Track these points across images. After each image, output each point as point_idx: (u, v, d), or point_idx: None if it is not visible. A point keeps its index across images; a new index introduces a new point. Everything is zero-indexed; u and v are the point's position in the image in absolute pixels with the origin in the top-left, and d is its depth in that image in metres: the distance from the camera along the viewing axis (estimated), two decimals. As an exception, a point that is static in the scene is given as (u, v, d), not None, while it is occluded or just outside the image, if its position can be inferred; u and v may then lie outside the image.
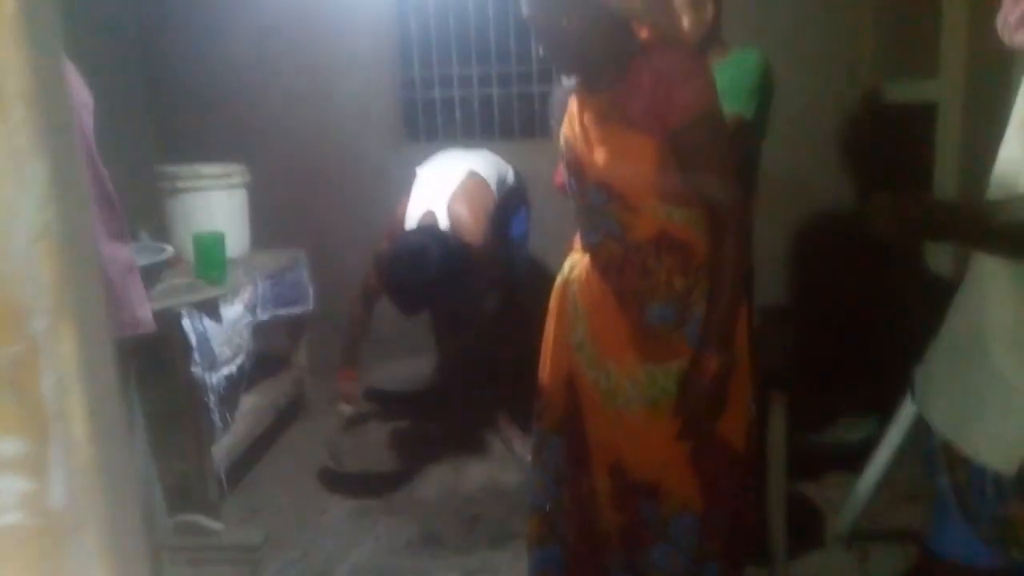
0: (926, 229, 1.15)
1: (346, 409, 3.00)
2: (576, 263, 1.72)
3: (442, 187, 2.87)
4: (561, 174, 1.76)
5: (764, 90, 2.57)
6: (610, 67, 1.51)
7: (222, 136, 3.62)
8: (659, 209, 1.52)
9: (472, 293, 2.89)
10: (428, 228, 2.74)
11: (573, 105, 1.63)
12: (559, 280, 1.77)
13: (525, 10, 1.48)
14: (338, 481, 2.85)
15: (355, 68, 3.67)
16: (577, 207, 1.66)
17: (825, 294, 3.49)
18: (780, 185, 2.94)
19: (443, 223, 2.81)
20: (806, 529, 2.44)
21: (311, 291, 3.34)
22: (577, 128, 1.60)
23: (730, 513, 1.64)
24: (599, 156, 1.54)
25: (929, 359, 1.25)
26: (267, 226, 3.36)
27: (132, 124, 3.63)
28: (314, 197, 3.72)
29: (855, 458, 2.47)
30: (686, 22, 2.46)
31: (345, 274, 3.20)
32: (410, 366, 3.57)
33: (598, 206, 1.57)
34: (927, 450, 1.23)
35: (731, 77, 2.46)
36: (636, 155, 1.49)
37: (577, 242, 1.75)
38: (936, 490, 1.23)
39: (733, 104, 2.46)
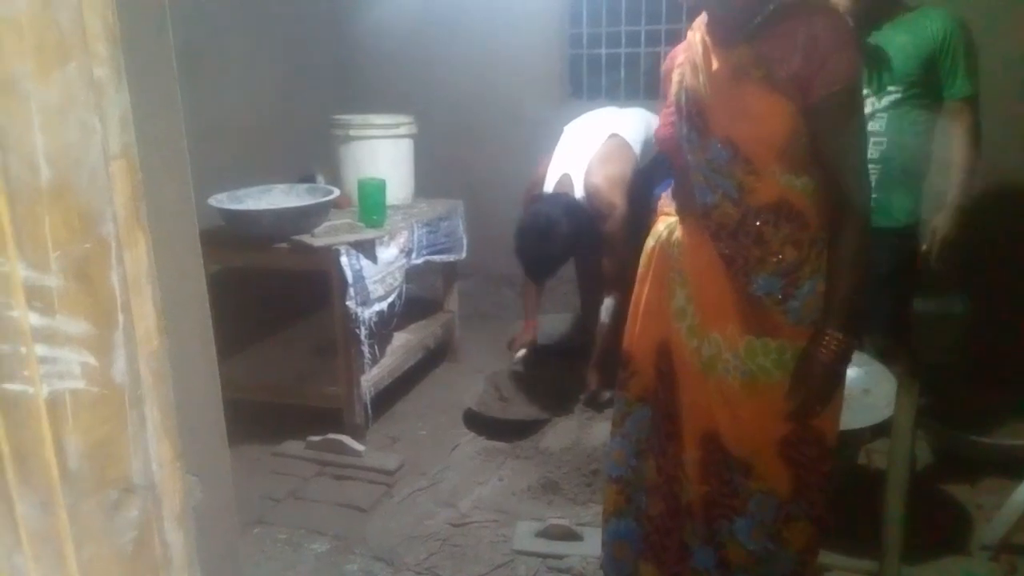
0: None
1: (521, 354, 3.23)
2: (674, 226, 1.67)
3: (583, 150, 2.88)
4: (667, 124, 1.66)
5: (974, 56, 2.35)
6: (752, 16, 1.43)
7: (396, 89, 3.83)
8: (782, 176, 1.45)
9: (607, 257, 2.92)
10: (558, 198, 2.79)
11: (697, 51, 1.52)
12: (651, 244, 1.72)
13: None
14: (476, 421, 3.00)
15: (524, 25, 3.74)
16: (689, 164, 1.56)
17: (1004, 283, 3.17)
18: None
19: (578, 189, 2.84)
20: (949, 533, 2.29)
21: (465, 241, 3.49)
22: (703, 78, 1.50)
23: (814, 504, 1.58)
24: (730, 111, 1.46)
25: None
26: (431, 176, 3.53)
27: (317, 76, 3.91)
28: (477, 151, 3.86)
29: (1018, 465, 2.27)
30: None
31: (500, 227, 3.31)
32: (564, 321, 3.67)
33: (719, 164, 1.49)
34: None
35: (923, 41, 2.28)
36: (772, 117, 1.42)
37: (668, 205, 1.71)
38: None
39: (957, 87, 2.28)
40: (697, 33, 1.54)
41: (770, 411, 1.51)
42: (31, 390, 0.58)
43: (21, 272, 0.56)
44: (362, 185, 2.96)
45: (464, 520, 2.41)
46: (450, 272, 3.56)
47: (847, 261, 1.44)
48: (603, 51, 3.78)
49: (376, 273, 2.86)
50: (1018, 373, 2.84)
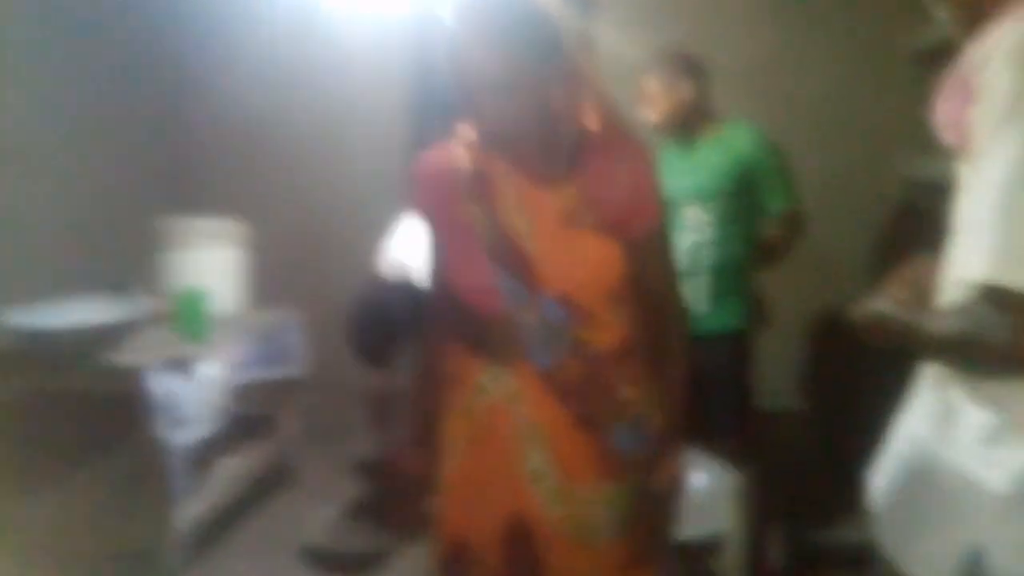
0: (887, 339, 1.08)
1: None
2: (499, 378, 1.38)
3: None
4: (472, 268, 1.37)
5: (788, 171, 2.51)
6: (560, 155, 1.31)
7: (235, 191, 3.61)
8: (615, 319, 1.36)
9: None
10: (398, 281, 2.63)
11: (499, 186, 1.34)
12: (475, 401, 1.41)
13: (465, 74, 1.23)
14: (317, 557, 2.68)
15: (367, 126, 3.65)
16: (513, 320, 1.34)
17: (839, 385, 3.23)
18: (803, 267, 2.78)
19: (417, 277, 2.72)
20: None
21: (303, 354, 3.24)
22: (526, 225, 1.32)
23: None
24: (564, 264, 1.31)
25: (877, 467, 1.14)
26: (271, 284, 3.30)
27: (143, 174, 3.64)
28: (319, 257, 3.66)
29: (859, 560, 2.21)
30: (660, 107, 2.43)
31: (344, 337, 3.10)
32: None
33: (556, 323, 1.32)
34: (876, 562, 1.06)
35: (736, 157, 2.41)
36: (606, 264, 1.32)
37: (467, 359, 1.42)
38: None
39: (776, 202, 2.44)
40: (484, 158, 1.35)
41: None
42: None
43: None
44: (179, 296, 2.71)
45: None
46: (285, 389, 3.28)
47: (678, 385, 1.41)
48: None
49: (194, 393, 2.58)
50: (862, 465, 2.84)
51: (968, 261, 0.89)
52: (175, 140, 3.79)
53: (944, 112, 0.97)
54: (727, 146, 2.43)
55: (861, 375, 3.17)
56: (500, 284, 1.33)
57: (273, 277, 3.37)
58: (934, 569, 0.97)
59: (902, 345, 1.03)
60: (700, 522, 1.79)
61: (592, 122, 1.34)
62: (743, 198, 2.44)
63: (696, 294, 2.46)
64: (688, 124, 2.48)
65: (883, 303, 1.07)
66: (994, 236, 0.85)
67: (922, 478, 1.01)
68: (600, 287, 1.33)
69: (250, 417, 3.18)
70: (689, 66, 2.46)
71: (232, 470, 2.94)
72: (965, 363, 0.96)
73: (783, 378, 3.00)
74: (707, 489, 1.91)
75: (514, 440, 1.37)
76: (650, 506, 1.40)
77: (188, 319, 2.69)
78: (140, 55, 3.53)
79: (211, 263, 3.01)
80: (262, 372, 3.01)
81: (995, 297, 0.85)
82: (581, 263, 1.32)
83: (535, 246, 1.31)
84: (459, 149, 1.38)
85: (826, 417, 3.21)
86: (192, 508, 2.62)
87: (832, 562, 2.50)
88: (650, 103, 2.48)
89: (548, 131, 1.28)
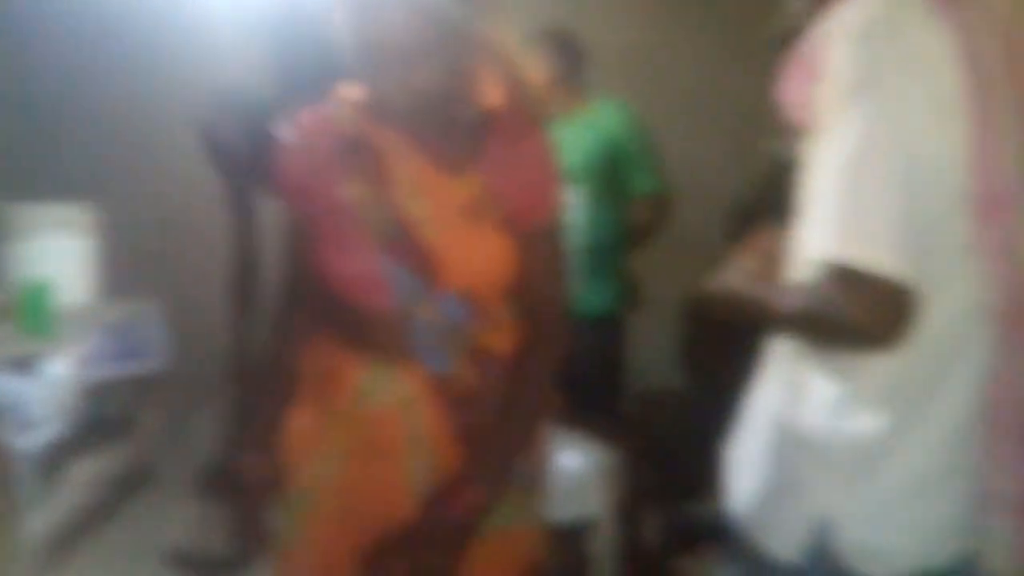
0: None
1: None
2: (387, 381, 1.22)
3: None
4: (351, 253, 1.21)
5: (653, 153, 2.54)
6: (464, 136, 1.20)
7: (76, 174, 3.37)
8: (507, 321, 1.26)
9: None
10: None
11: (391, 164, 1.19)
12: (350, 409, 1.24)
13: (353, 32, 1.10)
14: (184, 562, 2.55)
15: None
16: (403, 318, 1.20)
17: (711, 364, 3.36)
18: (676, 250, 2.85)
19: None
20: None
21: (162, 348, 3.07)
22: (424, 210, 1.18)
23: None
24: (467, 258, 1.19)
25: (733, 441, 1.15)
26: (127, 274, 3.11)
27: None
28: (177, 245, 3.48)
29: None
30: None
31: (211, 328, 2.95)
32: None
33: (456, 323, 1.20)
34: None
35: (603, 136, 2.42)
36: (505, 260, 1.21)
37: (343, 356, 1.26)
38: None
39: (643, 181, 2.46)
40: (376, 131, 1.20)
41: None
42: None
43: None
44: (21, 289, 2.51)
45: None
46: (144, 385, 3.11)
47: (535, 390, 1.27)
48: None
49: (41, 393, 2.40)
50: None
51: (812, 239, 0.91)
52: (16, 120, 3.50)
53: (790, 91, 0.99)
54: (595, 124, 2.45)
55: (730, 353, 3.31)
56: (390, 276, 1.18)
57: (128, 267, 3.18)
58: (784, 540, 0.99)
59: (750, 320, 1.06)
60: (572, 504, 1.80)
61: (498, 102, 1.23)
62: (611, 178, 2.46)
63: None
64: (557, 101, 2.48)
65: (732, 278, 1.09)
66: (836, 214, 0.87)
67: (773, 450, 1.03)
68: (500, 286, 1.22)
69: (106, 417, 3.01)
70: (560, 42, 2.46)
71: (88, 473, 2.78)
72: (812, 338, 0.99)
73: (659, 359, 3.07)
74: (578, 471, 1.93)
75: (400, 453, 1.21)
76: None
77: (31, 313, 2.51)
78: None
79: (57, 252, 2.82)
80: (117, 368, 2.85)
81: (838, 275, 0.87)
82: (483, 258, 1.20)
83: (434, 237, 1.18)
84: (342, 115, 1.22)
85: (700, 395, 3.32)
86: (44, 515, 2.45)
87: (706, 538, 2.60)
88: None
89: (454, 107, 1.19)
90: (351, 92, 1.21)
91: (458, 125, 1.20)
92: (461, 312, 1.20)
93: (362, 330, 1.23)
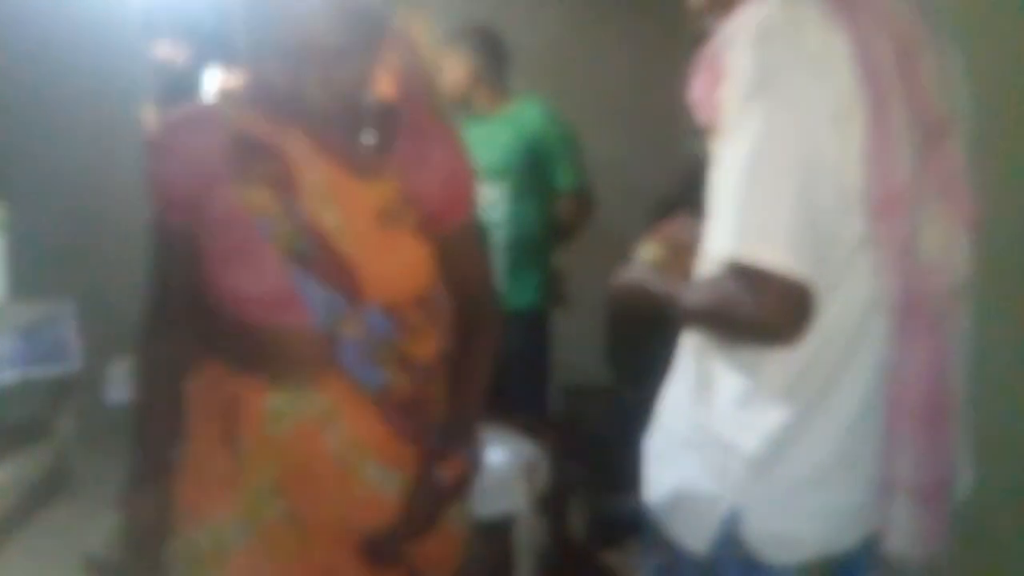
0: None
1: None
2: (300, 399, 1.12)
3: None
4: (255, 273, 1.10)
5: (576, 150, 2.55)
6: (373, 136, 1.14)
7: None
8: (428, 325, 1.20)
9: None
10: None
11: (311, 175, 1.09)
12: (266, 435, 1.13)
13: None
14: (102, 570, 2.46)
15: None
16: (329, 336, 1.10)
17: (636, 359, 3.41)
18: (599, 247, 2.85)
19: None
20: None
21: (76, 349, 2.97)
22: (336, 219, 1.09)
23: None
24: (385, 269, 1.12)
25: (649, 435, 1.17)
26: (33, 274, 2.99)
27: None
28: (92, 243, 3.36)
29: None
30: (452, 79, 2.41)
31: (129, 327, 2.85)
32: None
33: (383, 338, 1.13)
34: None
35: (524, 134, 2.43)
36: (422, 266, 1.16)
37: (242, 382, 1.14)
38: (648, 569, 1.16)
39: (565, 178, 2.46)
40: (275, 130, 1.10)
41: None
42: None
43: None
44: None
45: None
46: (58, 388, 3.00)
47: (481, 376, 1.27)
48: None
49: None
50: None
51: (716, 237, 0.93)
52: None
53: (697, 91, 1.00)
54: (516, 121, 2.46)
55: (655, 348, 3.37)
56: (305, 292, 1.08)
57: (41, 265, 3.07)
58: (694, 531, 1.02)
59: (658, 313, 1.07)
60: (497, 499, 1.80)
61: (407, 101, 1.21)
62: (533, 174, 2.47)
63: None
64: (478, 98, 2.48)
65: (639, 271, 1.11)
66: (737, 213, 0.89)
67: (683, 443, 1.06)
68: (418, 293, 1.16)
69: (19, 421, 2.90)
70: (481, 40, 2.46)
71: (2, 480, 2.68)
72: (716, 333, 1.01)
73: (586, 355, 3.10)
74: (503, 466, 1.94)
75: (340, 461, 1.13)
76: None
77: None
78: None
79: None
80: (30, 370, 2.74)
81: (739, 273, 0.89)
82: (403, 267, 1.14)
83: (350, 247, 1.09)
84: (226, 111, 1.12)
85: (625, 390, 3.37)
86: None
87: (632, 532, 2.64)
88: (444, 75, 2.45)
89: (364, 107, 1.12)
90: (231, 84, 1.16)
91: (363, 124, 1.13)
92: (388, 325, 1.13)
93: (267, 352, 1.11)
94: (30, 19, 3.26)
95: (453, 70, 2.44)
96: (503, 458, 1.96)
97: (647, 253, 1.15)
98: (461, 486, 1.21)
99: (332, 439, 1.12)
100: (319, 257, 1.08)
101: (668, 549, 1.06)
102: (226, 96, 1.14)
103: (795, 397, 0.96)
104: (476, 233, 1.26)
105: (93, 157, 3.39)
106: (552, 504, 2.35)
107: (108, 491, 2.92)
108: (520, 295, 2.50)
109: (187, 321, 1.18)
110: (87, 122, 3.37)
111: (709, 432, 1.01)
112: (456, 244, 1.19)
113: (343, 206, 1.09)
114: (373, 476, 1.14)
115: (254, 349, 1.11)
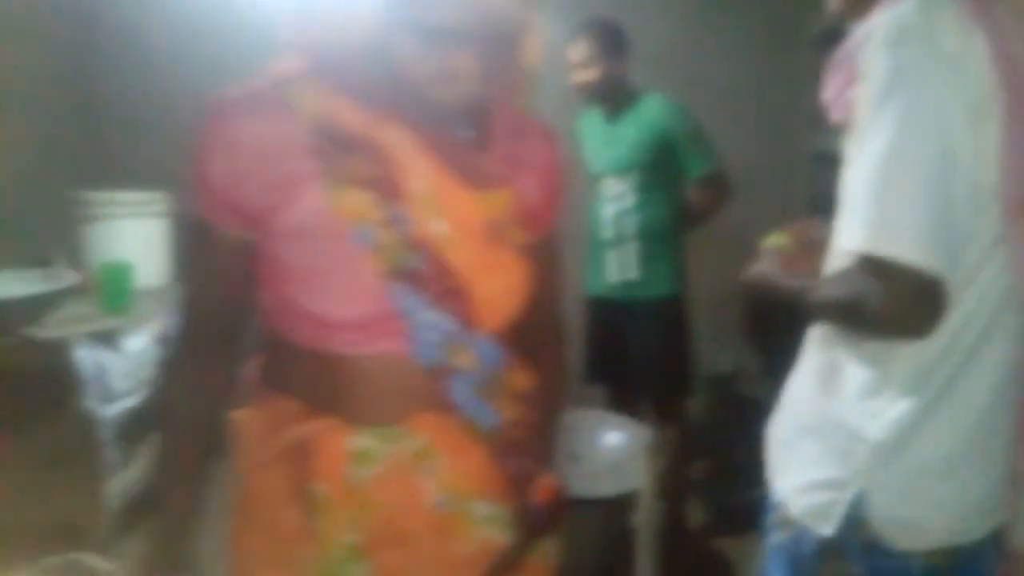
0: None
1: None
2: (392, 436, 0.95)
3: None
4: (350, 290, 0.91)
5: (703, 136, 2.53)
6: (471, 139, 0.99)
7: (155, 163, 3.52)
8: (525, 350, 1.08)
9: None
10: None
11: (416, 176, 0.91)
12: (350, 481, 0.94)
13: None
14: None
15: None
16: (433, 368, 0.94)
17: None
18: (715, 243, 2.84)
19: None
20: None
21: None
22: (446, 229, 0.92)
23: None
24: (494, 290, 0.96)
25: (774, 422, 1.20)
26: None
27: (61, 148, 3.54)
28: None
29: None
30: (589, 74, 2.44)
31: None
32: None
33: (494, 370, 0.97)
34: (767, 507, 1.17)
35: (651, 130, 2.44)
36: (523, 289, 1.00)
37: (325, 423, 0.96)
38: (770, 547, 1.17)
39: (696, 167, 2.45)
40: (370, 120, 0.90)
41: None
42: None
43: None
44: (102, 269, 2.66)
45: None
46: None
47: (552, 399, 1.12)
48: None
49: (122, 366, 2.55)
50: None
51: (848, 232, 0.95)
52: (93, 113, 3.68)
53: (831, 91, 1.03)
54: (643, 120, 2.46)
55: (782, 339, 3.33)
56: (410, 316, 0.90)
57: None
58: (822, 514, 1.04)
59: (787, 307, 1.11)
60: (617, 480, 1.86)
61: (495, 93, 1.00)
62: (662, 167, 2.46)
63: (625, 261, 2.50)
64: (612, 96, 2.50)
65: (768, 266, 1.14)
66: (870, 209, 0.91)
67: (809, 430, 1.08)
68: (516, 317, 1.00)
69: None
70: (619, 38, 2.47)
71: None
72: (846, 327, 1.03)
73: (704, 345, 3.11)
74: (624, 448, 1.99)
75: (439, 507, 0.95)
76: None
77: (113, 292, 2.65)
78: (51, 25, 3.40)
79: (134, 235, 2.96)
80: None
81: (870, 267, 0.91)
82: (506, 288, 0.98)
83: (459, 264, 0.92)
84: (298, 96, 0.89)
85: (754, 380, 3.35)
86: (123, 481, 2.60)
87: (748, 521, 2.64)
88: (579, 69, 2.47)
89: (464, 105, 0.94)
90: (293, 67, 0.91)
91: (459, 119, 0.96)
92: (496, 355, 0.97)
93: (354, 387, 0.93)
94: (209, 25, 3.51)
95: (589, 64, 2.44)
96: (623, 440, 2.02)
97: (775, 239, 1.18)
98: (556, 513, 1.06)
99: (429, 483, 0.95)
100: (430, 274, 0.90)
101: (791, 528, 1.09)
102: (288, 79, 0.90)
103: (923, 389, 0.98)
104: (558, 245, 1.11)
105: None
106: (673, 489, 2.39)
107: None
108: (655, 283, 2.50)
109: (231, 354, 1.00)
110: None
111: (834, 419, 1.04)
112: (538, 255, 1.03)
113: (451, 215, 0.92)
114: (482, 517, 0.98)
115: (336, 383, 0.93)
